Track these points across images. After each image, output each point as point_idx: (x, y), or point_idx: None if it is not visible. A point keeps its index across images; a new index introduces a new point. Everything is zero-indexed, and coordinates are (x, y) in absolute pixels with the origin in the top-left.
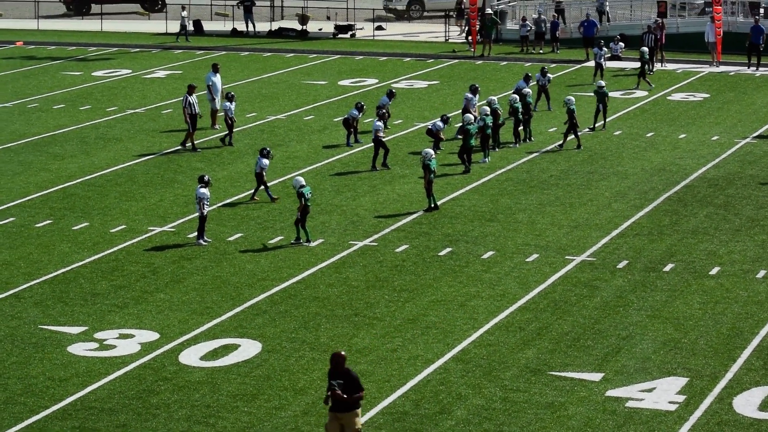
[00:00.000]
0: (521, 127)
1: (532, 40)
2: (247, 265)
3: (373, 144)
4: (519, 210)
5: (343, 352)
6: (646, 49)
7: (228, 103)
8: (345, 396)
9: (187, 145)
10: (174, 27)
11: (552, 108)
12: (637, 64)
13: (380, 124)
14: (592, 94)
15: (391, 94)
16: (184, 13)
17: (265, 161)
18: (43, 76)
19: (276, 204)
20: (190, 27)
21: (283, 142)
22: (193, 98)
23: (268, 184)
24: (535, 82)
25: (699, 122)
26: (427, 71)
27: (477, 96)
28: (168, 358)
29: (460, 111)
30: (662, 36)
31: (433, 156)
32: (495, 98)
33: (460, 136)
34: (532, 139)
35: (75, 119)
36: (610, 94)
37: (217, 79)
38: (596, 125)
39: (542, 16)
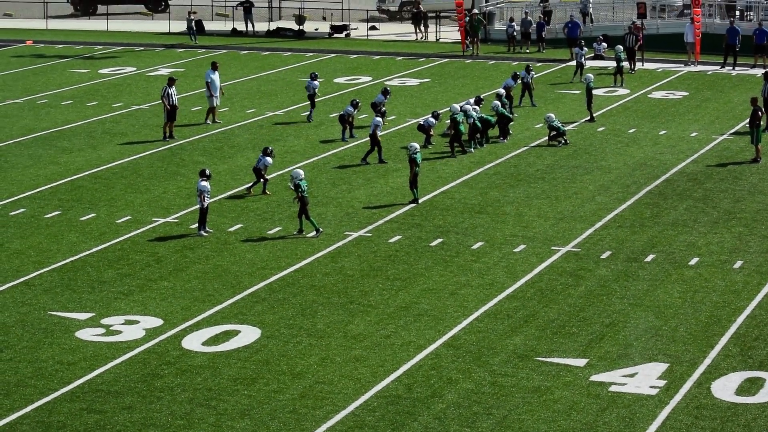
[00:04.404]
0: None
1: (519, 40)
2: (247, 254)
3: (369, 139)
4: (507, 202)
5: None
6: (620, 47)
7: (313, 81)
8: None
9: (167, 137)
10: (177, 27)
11: (536, 104)
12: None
13: (380, 120)
14: (580, 89)
15: (386, 92)
16: (192, 16)
17: (269, 160)
18: (51, 74)
19: (274, 196)
20: (170, 29)
21: (281, 137)
22: (172, 90)
23: (268, 178)
24: (520, 80)
25: (678, 119)
26: (418, 69)
27: (478, 106)
28: (171, 344)
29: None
30: (641, 37)
31: (419, 149)
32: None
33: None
34: (506, 139)
35: (82, 115)
36: (594, 92)
37: (216, 76)
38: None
39: (528, 17)
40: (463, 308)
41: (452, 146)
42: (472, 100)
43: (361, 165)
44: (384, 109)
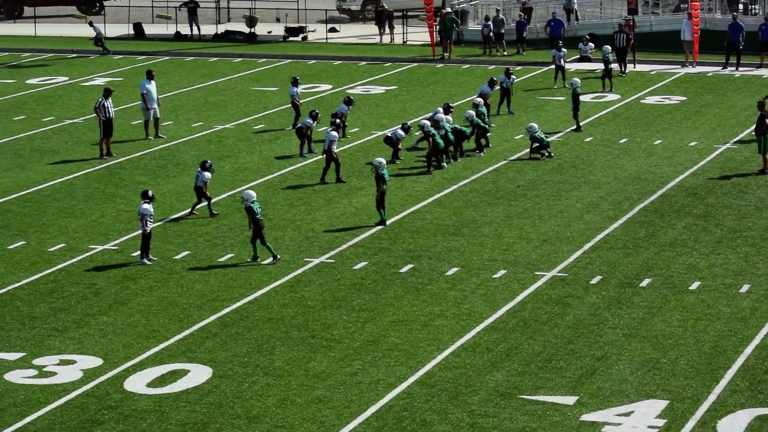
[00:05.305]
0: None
1: (495, 41)
2: (196, 284)
3: (324, 156)
4: (485, 223)
5: None
6: (608, 47)
7: (293, 88)
8: None
9: (104, 155)
10: (114, 30)
11: (513, 111)
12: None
13: (335, 134)
14: (565, 96)
15: (349, 101)
16: (98, 26)
17: (207, 174)
18: None
19: (224, 219)
20: (105, 33)
21: (231, 153)
22: (108, 102)
23: (214, 199)
24: (498, 85)
25: (675, 127)
26: (384, 76)
27: (448, 115)
28: (112, 386)
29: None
30: (632, 35)
31: (385, 165)
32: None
33: (419, 146)
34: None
35: (8, 130)
36: (581, 98)
37: (152, 86)
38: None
39: (500, 16)
40: (437, 341)
41: (429, 161)
42: (440, 109)
43: (321, 184)
44: (338, 121)
